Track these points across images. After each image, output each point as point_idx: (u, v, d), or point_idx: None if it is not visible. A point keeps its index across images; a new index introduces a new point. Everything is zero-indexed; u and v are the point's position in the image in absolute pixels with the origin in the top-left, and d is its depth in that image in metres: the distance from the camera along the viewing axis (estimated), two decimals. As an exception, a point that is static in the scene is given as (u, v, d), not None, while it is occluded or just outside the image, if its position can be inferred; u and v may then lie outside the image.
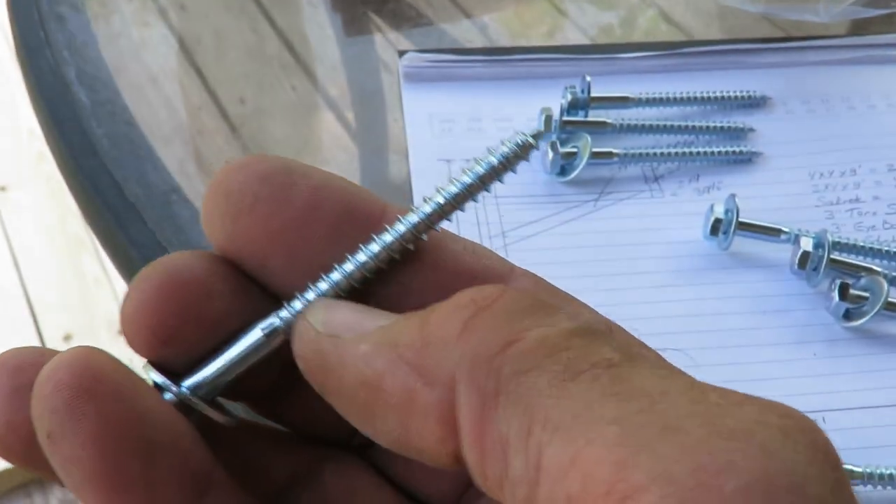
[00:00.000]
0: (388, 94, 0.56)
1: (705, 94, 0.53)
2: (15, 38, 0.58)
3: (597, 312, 0.21)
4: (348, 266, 0.21)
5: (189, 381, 0.21)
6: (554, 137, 0.50)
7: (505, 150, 0.21)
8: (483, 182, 0.21)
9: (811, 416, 0.44)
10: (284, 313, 0.21)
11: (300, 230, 0.21)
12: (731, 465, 0.15)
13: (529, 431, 0.16)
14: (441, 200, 0.21)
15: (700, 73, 0.56)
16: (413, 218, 0.21)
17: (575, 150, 0.50)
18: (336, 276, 0.21)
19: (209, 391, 0.21)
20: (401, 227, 0.21)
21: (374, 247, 0.21)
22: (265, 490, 0.22)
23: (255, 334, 0.21)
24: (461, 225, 0.47)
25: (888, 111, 0.54)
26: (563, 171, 0.50)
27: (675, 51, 0.56)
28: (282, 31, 0.60)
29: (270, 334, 0.21)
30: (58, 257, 1.44)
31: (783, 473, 0.15)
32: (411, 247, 0.21)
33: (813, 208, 0.50)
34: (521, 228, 0.48)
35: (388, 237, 0.21)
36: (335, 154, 0.54)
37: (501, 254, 0.48)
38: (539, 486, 0.16)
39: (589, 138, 0.50)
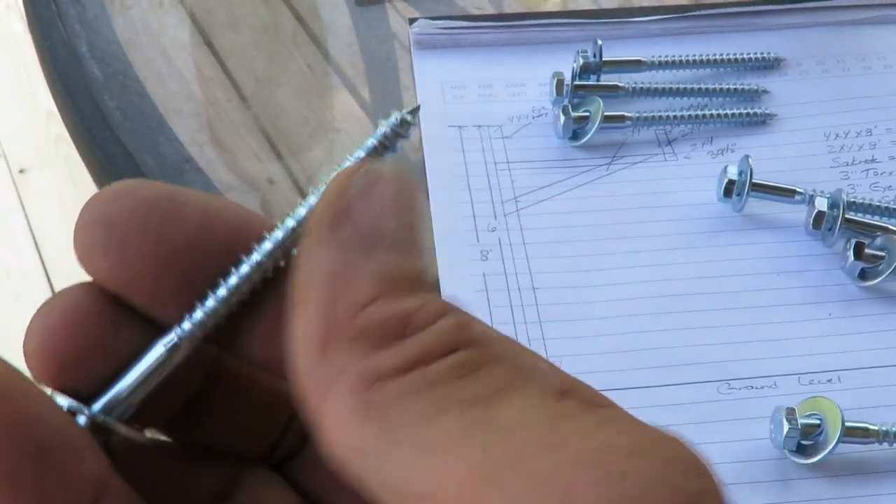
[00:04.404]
0: (399, 62, 0.56)
1: (718, 57, 0.53)
2: (27, 12, 0.58)
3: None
4: (233, 280, 0.20)
5: (99, 404, 0.21)
6: (566, 102, 0.50)
7: (383, 129, 0.20)
8: None
9: (826, 375, 0.44)
10: (186, 325, 0.20)
11: (192, 255, 0.20)
12: (570, 494, 0.15)
13: (389, 452, 0.16)
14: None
15: (713, 36, 0.55)
16: (301, 212, 0.20)
17: (587, 114, 0.49)
18: (222, 292, 0.20)
19: (121, 412, 0.21)
20: (290, 222, 0.20)
21: (256, 256, 0.20)
22: None
23: (157, 350, 0.21)
24: (472, 192, 0.47)
25: (905, 71, 0.54)
26: (576, 136, 0.50)
27: (688, 13, 0.55)
28: (292, 3, 0.60)
29: (172, 349, 0.21)
30: (78, 238, 1.45)
31: (630, 498, 0.15)
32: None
33: (828, 169, 0.49)
34: (532, 193, 0.48)
35: (268, 245, 0.20)
36: (347, 123, 0.54)
37: (514, 218, 0.47)
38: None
39: (601, 102, 0.49)
